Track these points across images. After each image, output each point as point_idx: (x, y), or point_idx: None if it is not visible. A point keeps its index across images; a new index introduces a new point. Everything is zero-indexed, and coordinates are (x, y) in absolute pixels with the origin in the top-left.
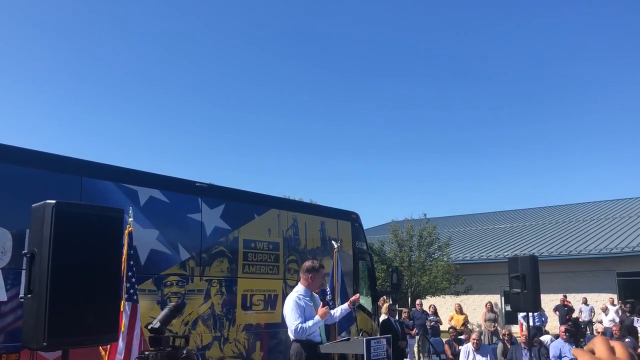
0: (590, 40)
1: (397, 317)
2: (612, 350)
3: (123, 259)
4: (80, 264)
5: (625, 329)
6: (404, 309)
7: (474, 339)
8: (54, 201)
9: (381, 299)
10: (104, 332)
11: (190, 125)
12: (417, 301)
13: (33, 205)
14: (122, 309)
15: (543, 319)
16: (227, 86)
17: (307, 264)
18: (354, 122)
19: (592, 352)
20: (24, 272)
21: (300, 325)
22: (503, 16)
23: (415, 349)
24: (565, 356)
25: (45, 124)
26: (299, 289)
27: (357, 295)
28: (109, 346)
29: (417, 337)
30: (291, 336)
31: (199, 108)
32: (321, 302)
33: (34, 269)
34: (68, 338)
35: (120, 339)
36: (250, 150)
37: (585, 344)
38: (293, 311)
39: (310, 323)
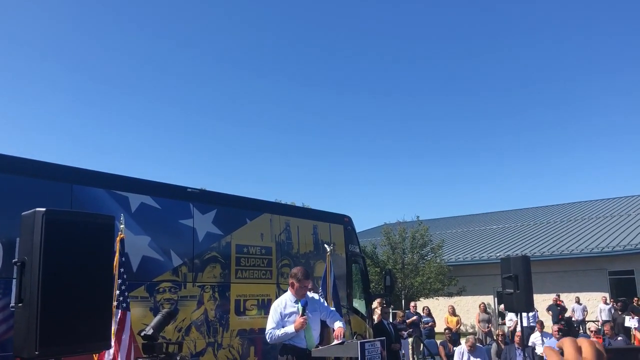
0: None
1: (390, 320)
2: (579, 350)
3: (115, 266)
4: (71, 272)
5: (617, 327)
6: (399, 312)
7: (469, 344)
8: (44, 209)
9: (376, 301)
10: (96, 340)
11: (181, 132)
12: (412, 303)
13: (23, 213)
14: (115, 318)
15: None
16: (218, 93)
17: (292, 270)
18: (346, 127)
19: (562, 352)
20: (14, 281)
21: (270, 330)
22: (495, 21)
23: (410, 350)
24: None
25: (35, 132)
26: (287, 294)
27: (342, 330)
28: (97, 355)
29: (410, 339)
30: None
31: (191, 114)
32: (299, 312)
33: (25, 278)
34: (60, 346)
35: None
36: (242, 156)
37: None
38: (270, 316)
39: (280, 332)
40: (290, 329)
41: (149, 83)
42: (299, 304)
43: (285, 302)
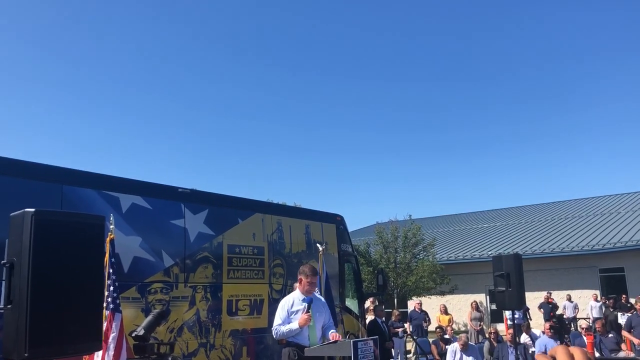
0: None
1: (383, 318)
2: (571, 357)
3: (104, 267)
4: (61, 273)
5: (609, 324)
6: (395, 311)
7: (462, 343)
8: (32, 209)
9: (368, 300)
10: (86, 341)
11: (172, 130)
12: (416, 301)
13: (12, 214)
14: (104, 319)
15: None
16: (209, 90)
17: (301, 267)
18: (337, 125)
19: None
20: (3, 282)
21: (276, 327)
22: (493, 14)
23: (412, 348)
24: None
25: (24, 131)
26: (296, 292)
27: (336, 335)
28: (87, 357)
29: (405, 338)
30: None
31: (181, 112)
32: (305, 308)
33: (14, 279)
34: (50, 348)
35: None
36: (233, 155)
37: (570, 340)
38: (277, 313)
39: (285, 328)
40: (294, 325)
41: (138, 81)
42: (305, 302)
43: (292, 300)
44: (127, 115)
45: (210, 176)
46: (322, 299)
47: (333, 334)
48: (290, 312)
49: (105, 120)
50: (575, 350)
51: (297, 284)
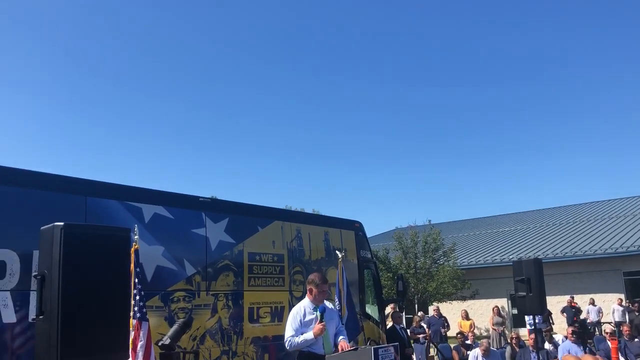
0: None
1: (402, 324)
2: None
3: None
4: (89, 284)
5: (635, 329)
6: (416, 317)
7: (483, 348)
8: (62, 223)
9: (389, 306)
10: (115, 350)
11: (191, 138)
12: (434, 306)
13: (42, 227)
14: (131, 328)
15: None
16: (228, 96)
17: (309, 276)
18: (355, 131)
19: None
20: (32, 293)
21: (289, 338)
22: (500, 22)
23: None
24: None
25: (49, 146)
26: (305, 301)
27: (345, 343)
28: None
29: (426, 344)
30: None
31: (198, 119)
32: (318, 318)
33: (45, 291)
34: (80, 357)
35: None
36: (252, 161)
37: (594, 345)
38: (288, 324)
39: (299, 339)
40: (309, 335)
41: (152, 85)
42: (318, 311)
43: (304, 309)
44: (143, 122)
45: (229, 182)
46: (331, 305)
47: (342, 343)
48: (303, 323)
49: (109, 124)
50: (587, 358)
51: (308, 293)
